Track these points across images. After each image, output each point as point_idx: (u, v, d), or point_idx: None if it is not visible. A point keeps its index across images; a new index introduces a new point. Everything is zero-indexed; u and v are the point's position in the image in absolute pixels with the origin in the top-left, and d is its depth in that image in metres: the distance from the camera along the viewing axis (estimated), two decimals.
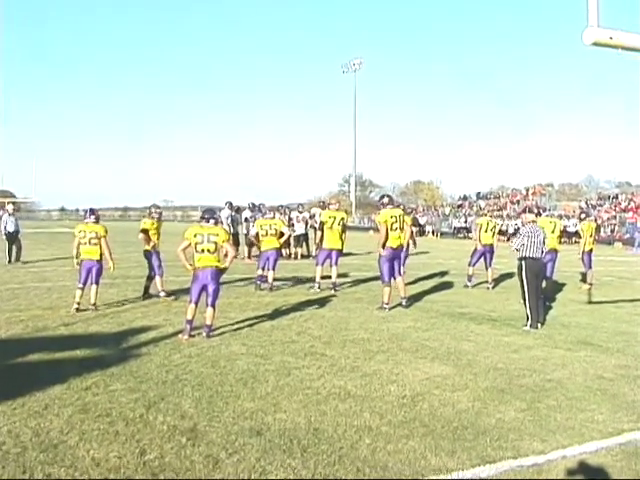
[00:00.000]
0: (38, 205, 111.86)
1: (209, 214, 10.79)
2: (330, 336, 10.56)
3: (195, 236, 10.49)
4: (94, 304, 12.97)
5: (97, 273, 13.23)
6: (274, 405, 6.91)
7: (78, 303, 12.83)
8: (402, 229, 13.69)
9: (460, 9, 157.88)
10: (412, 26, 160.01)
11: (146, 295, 14.76)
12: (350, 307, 13.70)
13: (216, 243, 10.46)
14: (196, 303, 10.40)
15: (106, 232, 13.41)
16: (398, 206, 14.55)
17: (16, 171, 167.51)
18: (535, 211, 13.46)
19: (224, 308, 13.02)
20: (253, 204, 25.63)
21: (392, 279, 13.54)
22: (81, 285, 13.03)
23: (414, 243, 18.93)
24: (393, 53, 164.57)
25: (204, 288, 10.47)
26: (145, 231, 14.95)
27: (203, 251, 10.43)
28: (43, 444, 5.77)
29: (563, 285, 18.19)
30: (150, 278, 14.89)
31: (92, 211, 13.61)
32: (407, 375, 8.20)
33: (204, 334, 10.32)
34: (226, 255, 10.70)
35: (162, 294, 14.67)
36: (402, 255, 14.24)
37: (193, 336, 10.24)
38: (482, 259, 17.83)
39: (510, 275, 17.89)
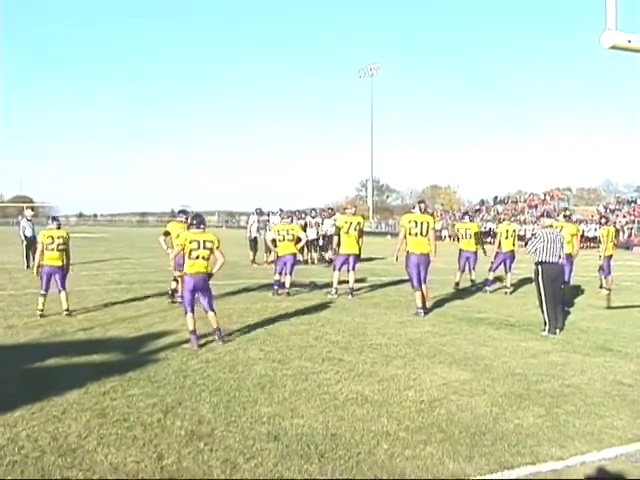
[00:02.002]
0: (56, 210, 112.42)
1: (198, 220, 10.61)
2: (347, 341, 10.55)
3: (190, 242, 10.28)
4: (67, 309, 12.94)
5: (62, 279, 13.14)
6: (291, 410, 6.90)
7: (42, 310, 12.86)
8: (425, 235, 13.47)
9: (479, 14, 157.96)
10: (428, 31, 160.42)
11: (173, 295, 14.84)
12: (368, 312, 13.68)
13: (211, 249, 10.37)
14: (193, 311, 10.24)
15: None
16: (424, 212, 14.15)
17: (34, 177, 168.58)
18: (555, 214, 13.41)
19: (242, 313, 13.07)
20: (282, 210, 25.66)
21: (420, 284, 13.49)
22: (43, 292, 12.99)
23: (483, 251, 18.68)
24: (410, 58, 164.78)
25: (196, 295, 10.37)
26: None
27: (198, 257, 10.27)
28: (61, 448, 5.79)
29: (582, 290, 18.12)
30: (177, 281, 14.89)
31: (54, 218, 13.84)
32: (425, 380, 8.17)
33: (217, 338, 10.28)
34: (217, 261, 10.52)
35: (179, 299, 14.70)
36: (428, 263, 13.87)
37: (202, 345, 10.19)
38: (502, 265, 17.88)
39: (528, 280, 17.80)
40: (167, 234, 14.95)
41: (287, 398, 7.33)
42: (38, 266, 13.21)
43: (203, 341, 10.27)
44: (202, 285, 10.36)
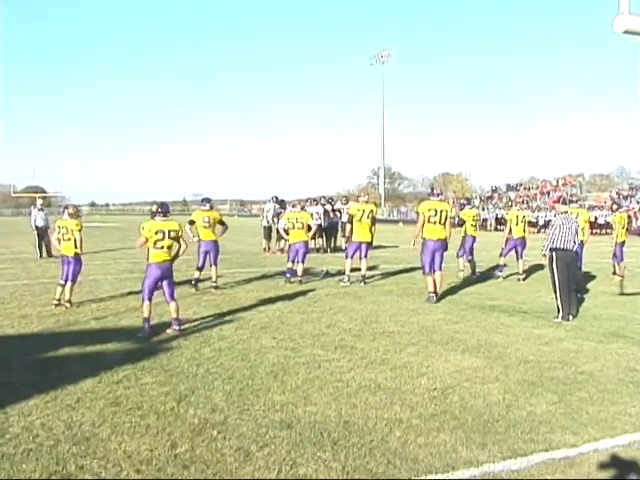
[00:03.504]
0: (68, 200, 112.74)
1: (165, 209, 10.60)
2: (360, 329, 10.56)
3: (156, 233, 10.30)
4: (68, 300, 12.78)
5: (74, 270, 13.00)
6: (304, 398, 6.91)
7: (58, 300, 12.80)
8: (443, 223, 13.58)
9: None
10: (438, 18, 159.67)
11: (196, 284, 15.06)
12: (380, 300, 13.68)
13: (175, 238, 10.43)
14: (151, 299, 10.30)
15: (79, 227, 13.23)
16: (441, 200, 14.31)
17: (47, 167, 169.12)
18: (567, 201, 13.39)
19: (254, 301, 13.10)
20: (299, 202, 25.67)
21: (432, 270, 13.51)
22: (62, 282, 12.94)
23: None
24: (420, 45, 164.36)
25: (158, 284, 10.41)
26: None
27: (163, 248, 10.33)
28: (75, 437, 5.82)
29: (594, 277, 18.05)
30: (199, 269, 15.18)
31: (66, 207, 13.83)
32: (437, 367, 8.17)
33: (176, 328, 10.25)
34: (179, 248, 10.61)
35: (213, 284, 15.17)
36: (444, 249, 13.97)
37: (212, 327, 10.22)
38: (513, 251, 17.83)
39: (541, 267, 17.73)
40: (192, 223, 15.28)
41: (300, 386, 7.34)
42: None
43: (216, 329, 10.34)
44: (167, 273, 10.44)
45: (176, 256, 10.63)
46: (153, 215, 10.58)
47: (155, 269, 10.35)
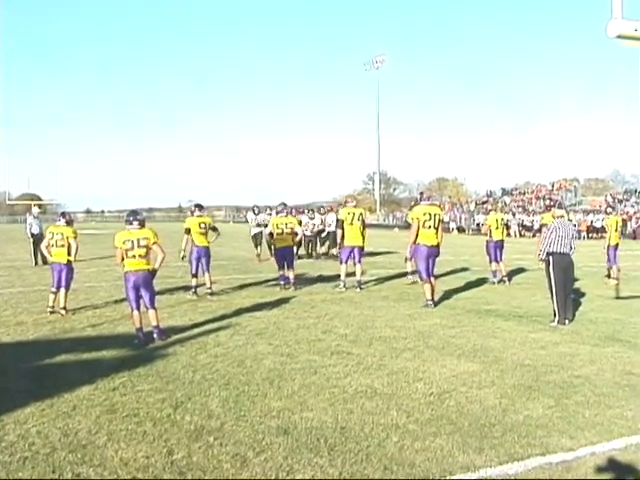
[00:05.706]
0: (64, 207, 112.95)
1: (132, 216, 10.49)
2: (356, 334, 10.55)
3: (124, 243, 10.24)
4: (63, 308, 12.77)
5: (66, 277, 13.04)
6: (301, 404, 6.90)
7: (52, 307, 12.81)
8: (437, 228, 13.55)
9: (482, 3, 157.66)
10: (432, 22, 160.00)
11: (196, 291, 15.09)
12: (376, 305, 13.68)
13: (147, 246, 10.30)
14: (138, 308, 10.26)
15: (75, 234, 13.31)
16: (433, 204, 14.37)
17: (42, 174, 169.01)
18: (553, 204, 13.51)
19: (249, 307, 13.09)
20: (285, 205, 25.68)
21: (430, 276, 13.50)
22: (54, 289, 12.95)
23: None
24: (415, 50, 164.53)
25: (139, 292, 10.33)
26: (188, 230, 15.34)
27: (135, 256, 10.23)
28: (72, 444, 5.81)
29: (590, 280, 18.06)
30: (195, 276, 15.19)
31: (63, 214, 13.80)
32: (434, 372, 8.16)
33: (155, 336, 10.19)
34: (157, 257, 10.46)
35: (208, 291, 15.18)
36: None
37: (208, 333, 10.23)
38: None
39: (536, 271, 17.75)
40: (189, 231, 15.33)
41: (296, 392, 7.34)
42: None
43: (212, 335, 10.34)
44: (143, 282, 10.32)
45: (155, 270, 10.48)
46: (125, 224, 10.56)
47: (130, 277, 10.26)
